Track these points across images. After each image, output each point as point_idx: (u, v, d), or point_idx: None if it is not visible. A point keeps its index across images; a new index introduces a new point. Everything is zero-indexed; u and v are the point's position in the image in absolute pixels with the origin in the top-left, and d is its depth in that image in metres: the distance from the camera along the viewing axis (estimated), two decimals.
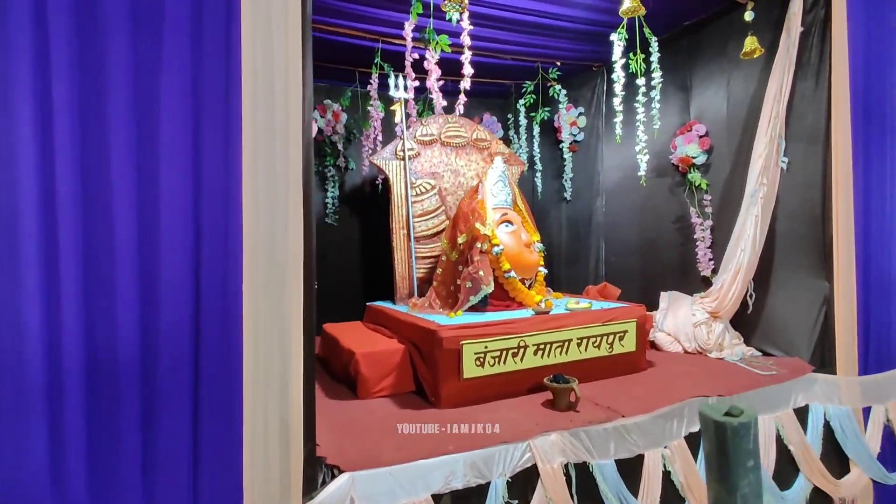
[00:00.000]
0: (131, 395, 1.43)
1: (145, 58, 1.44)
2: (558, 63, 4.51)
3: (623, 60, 3.22)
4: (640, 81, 3.28)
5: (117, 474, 1.41)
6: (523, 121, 4.99)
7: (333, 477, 1.86)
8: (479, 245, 3.17)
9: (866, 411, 2.94)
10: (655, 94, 3.32)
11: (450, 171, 3.99)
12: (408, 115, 3.68)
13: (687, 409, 2.56)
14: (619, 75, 3.27)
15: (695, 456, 2.48)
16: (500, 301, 3.23)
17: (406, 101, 3.58)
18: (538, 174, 5.06)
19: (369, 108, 4.22)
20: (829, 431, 2.86)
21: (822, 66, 3.06)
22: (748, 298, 3.40)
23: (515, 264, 3.22)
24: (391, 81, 3.67)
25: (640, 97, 3.31)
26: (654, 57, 3.31)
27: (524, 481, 2.12)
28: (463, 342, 2.58)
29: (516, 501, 2.07)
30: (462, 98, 2.94)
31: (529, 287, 3.36)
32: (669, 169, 4.01)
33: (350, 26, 3.66)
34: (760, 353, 3.35)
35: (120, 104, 1.41)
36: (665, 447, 2.42)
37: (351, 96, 4.56)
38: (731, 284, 3.36)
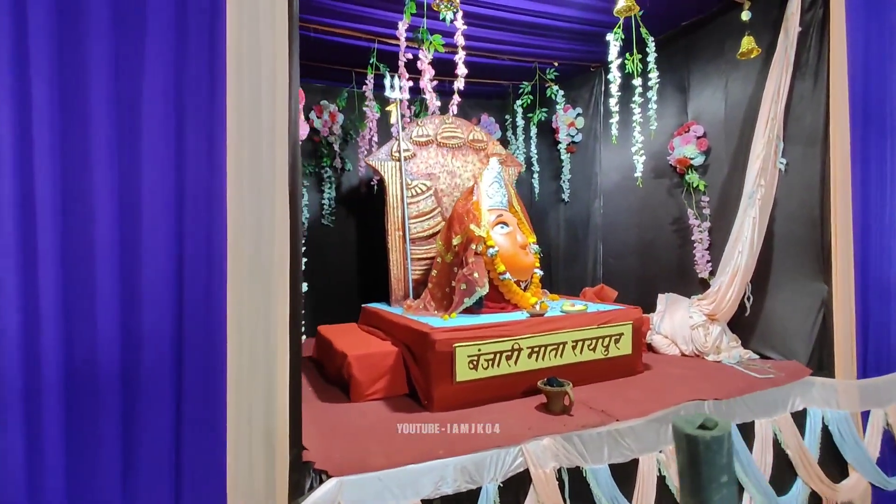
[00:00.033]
0: (111, 400, 1.40)
1: (127, 57, 1.42)
2: (555, 64, 4.48)
3: (619, 60, 3.20)
4: (637, 82, 3.25)
5: (96, 481, 1.39)
6: (521, 122, 4.96)
7: (321, 482, 1.83)
8: (473, 247, 3.14)
9: (865, 415, 2.91)
10: (652, 94, 3.29)
11: (446, 172, 3.97)
12: (401, 116, 3.65)
13: (682, 412, 2.53)
14: (615, 75, 3.24)
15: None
16: (495, 303, 3.20)
17: (401, 101, 3.55)
18: (535, 175, 5.03)
19: (365, 108, 4.19)
20: (827, 436, 2.83)
21: (820, 67, 3.03)
22: (746, 301, 3.36)
23: (510, 266, 3.19)
24: (387, 82, 3.64)
25: (636, 98, 3.28)
26: (651, 57, 3.29)
27: (516, 486, 2.09)
28: (456, 345, 2.56)
29: None
30: (456, 98, 2.92)
31: (525, 289, 3.33)
32: (667, 170, 3.98)
33: (346, 26, 3.64)
34: (758, 356, 3.31)
35: (101, 104, 1.39)
36: (660, 451, 2.39)
37: (347, 97, 4.54)
38: (728, 287, 3.33)
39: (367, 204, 4.67)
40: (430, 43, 2.81)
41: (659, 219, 4.09)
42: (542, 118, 4.88)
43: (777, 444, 2.69)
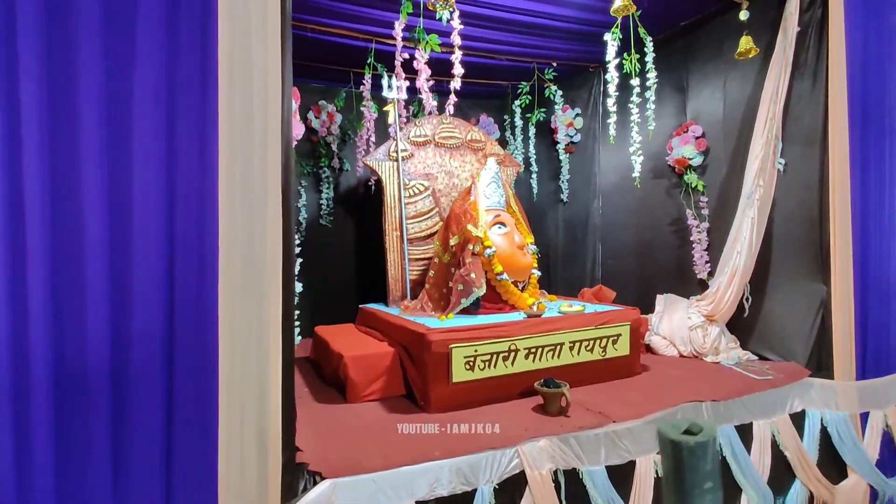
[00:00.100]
0: (101, 400, 1.39)
1: (118, 55, 1.41)
2: (554, 64, 4.47)
3: (617, 60, 3.19)
4: (635, 82, 3.24)
5: (86, 483, 1.38)
6: (519, 122, 4.95)
7: (315, 484, 1.82)
8: (471, 247, 3.13)
9: (864, 417, 2.89)
10: (650, 94, 3.28)
11: (444, 172, 3.96)
12: (399, 116, 3.65)
13: (680, 414, 2.51)
14: (612, 75, 3.23)
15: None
16: (492, 304, 3.19)
17: (398, 101, 3.54)
18: (534, 175, 5.02)
19: (362, 108, 4.19)
20: (825, 437, 2.81)
21: (819, 67, 3.02)
22: (744, 302, 3.35)
23: (508, 266, 3.18)
24: (385, 82, 3.64)
25: (634, 98, 3.27)
26: (650, 57, 3.27)
27: (512, 488, 2.08)
28: (452, 346, 2.54)
29: None
30: (452, 98, 2.91)
31: (523, 289, 3.32)
32: (666, 170, 3.97)
33: (343, 26, 3.63)
34: (757, 358, 3.30)
35: (92, 102, 1.38)
36: (657, 453, 2.37)
37: (345, 97, 4.54)
38: (727, 287, 3.31)
39: (365, 204, 4.66)
40: (427, 43, 2.80)
41: (657, 219, 4.08)
42: (541, 118, 4.87)
43: (775, 446, 2.68)
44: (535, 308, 3.06)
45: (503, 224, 3.30)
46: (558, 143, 4.83)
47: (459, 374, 2.56)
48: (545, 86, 4.67)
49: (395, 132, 3.74)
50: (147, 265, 1.45)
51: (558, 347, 2.81)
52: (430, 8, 2.41)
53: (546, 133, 4.96)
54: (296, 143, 2.43)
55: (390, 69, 3.73)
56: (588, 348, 2.90)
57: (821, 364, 3.00)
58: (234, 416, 1.55)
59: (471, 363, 2.59)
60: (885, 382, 2.96)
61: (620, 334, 2.99)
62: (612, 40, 3.10)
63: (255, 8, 1.57)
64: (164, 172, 1.47)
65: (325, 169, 4.63)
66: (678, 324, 3.50)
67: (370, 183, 4.54)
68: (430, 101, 2.86)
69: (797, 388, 2.84)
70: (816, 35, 3.02)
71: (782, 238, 3.23)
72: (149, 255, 1.46)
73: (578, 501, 2.17)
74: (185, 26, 1.49)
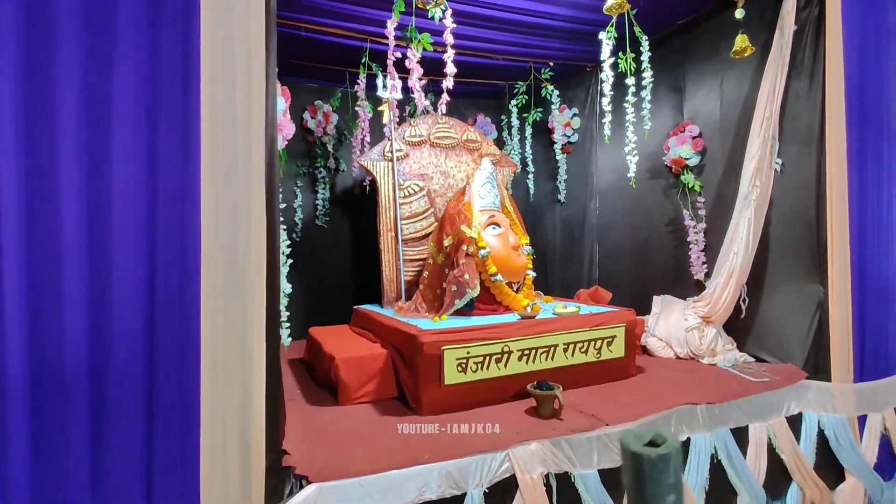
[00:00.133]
0: (80, 403, 1.37)
1: (98, 51, 1.39)
2: (551, 63, 4.44)
3: (612, 60, 3.16)
4: (630, 81, 3.21)
5: (64, 486, 1.35)
6: (516, 122, 4.93)
7: (301, 488, 1.80)
8: (464, 248, 3.11)
9: (862, 420, 2.86)
10: (646, 93, 3.25)
11: (439, 172, 3.93)
12: (394, 116, 3.62)
13: (675, 416, 2.49)
14: (607, 75, 3.20)
15: (682, 465, 2.40)
16: (486, 305, 3.16)
17: (393, 101, 3.51)
18: (531, 176, 5.00)
19: (357, 108, 4.17)
20: (822, 440, 2.78)
21: (816, 66, 2.99)
22: (741, 303, 3.32)
23: (502, 267, 3.15)
24: (379, 82, 3.61)
25: (629, 97, 3.24)
26: (645, 56, 3.24)
27: (502, 492, 2.05)
28: (444, 347, 2.52)
29: None
30: (445, 97, 2.88)
31: (517, 291, 3.29)
32: (663, 170, 3.94)
33: (338, 26, 3.61)
34: (753, 359, 3.27)
35: (70, 100, 1.36)
36: None
37: (341, 97, 4.52)
38: (723, 288, 3.28)
39: (361, 205, 4.64)
40: (419, 42, 2.77)
41: (654, 220, 4.05)
42: (538, 118, 4.84)
43: (772, 449, 2.65)
44: (529, 309, 3.03)
45: (498, 225, 3.27)
46: (555, 143, 4.80)
47: (451, 376, 2.54)
48: (542, 85, 4.64)
49: (390, 132, 3.72)
50: (127, 265, 1.43)
51: (552, 349, 2.78)
52: (420, 6, 2.39)
53: (543, 133, 4.93)
54: (286, 142, 2.40)
55: (385, 69, 3.71)
56: (582, 350, 2.87)
57: (818, 366, 2.97)
58: (217, 419, 1.53)
59: (463, 365, 2.56)
60: (884, 385, 2.93)
61: (615, 336, 2.96)
62: (606, 39, 3.07)
63: (239, 5, 1.55)
64: (146, 171, 1.45)
65: (321, 169, 4.61)
66: (675, 325, 3.47)
67: (365, 183, 4.51)
68: (422, 100, 2.84)
69: (794, 391, 2.81)
70: (813, 34, 2.99)
71: (779, 239, 3.20)
72: (129, 254, 1.43)
73: None
74: (166, 20, 1.47)
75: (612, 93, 3.26)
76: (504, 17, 3.50)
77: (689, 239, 3.72)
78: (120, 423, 1.42)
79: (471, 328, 2.67)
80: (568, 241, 4.96)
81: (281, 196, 4.25)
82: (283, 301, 2.43)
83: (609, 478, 2.22)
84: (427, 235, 3.75)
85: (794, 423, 2.76)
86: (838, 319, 2.89)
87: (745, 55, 3.06)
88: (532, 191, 5.04)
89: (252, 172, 1.57)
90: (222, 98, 1.52)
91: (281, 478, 1.78)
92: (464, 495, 1.98)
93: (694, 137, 3.67)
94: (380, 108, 3.55)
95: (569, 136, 4.78)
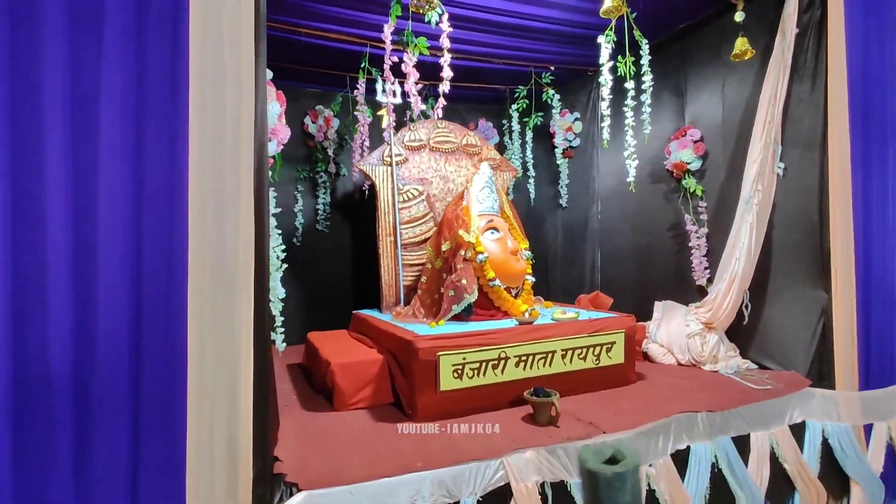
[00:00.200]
0: (64, 407, 1.36)
1: (84, 54, 1.38)
2: (552, 68, 4.43)
3: (611, 63, 3.13)
4: (630, 85, 3.18)
5: (47, 494, 1.34)
6: (517, 126, 4.91)
7: (291, 495, 1.77)
8: (462, 252, 3.09)
9: (868, 429, 2.80)
10: (646, 97, 3.23)
11: (438, 176, 3.92)
12: (392, 120, 3.62)
13: (674, 424, 2.44)
14: (606, 79, 3.18)
15: (682, 475, 2.36)
16: (484, 310, 3.14)
17: (392, 105, 3.51)
18: (531, 180, 4.97)
19: (356, 113, 4.17)
20: (827, 449, 2.72)
21: (818, 69, 2.95)
22: (744, 309, 3.27)
23: (501, 272, 3.13)
24: (379, 86, 3.61)
25: (628, 101, 3.21)
26: (645, 60, 3.22)
27: (496, 501, 2.02)
28: (440, 353, 2.49)
29: None
30: (441, 101, 2.88)
31: (516, 296, 3.26)
32: (664, 175, 3.91)
33: (338, 30, 3.61)
34: (756, 367, 3.21)
35: (56, 103, 1.35)
36: (650, 465, 2.30)
37: (342, 101, 4.53)
38: (725, 294, 3.24)
39: (361, 209, 4.63)
40: (415, 46, 2.77)
41: (656, 224, 4.01)
42: (538, 123, 4.82)
43: (774, 458, 2.59)
44: (527, 315, 3.00)
45: (496, 229, 3.25)
46: (556, 147, 4.77)
47: (447, 382, 2.51)
48: (543, 90, 4.63)
49: (390, 136, 3.71)
50: (113, 267, 1.42)
51: (550, 355, 2.75)
52: (413, 10, 2.38)
53: (545, 137, 4.91)
54: (282, 147, 2.39)
55: (384, 73, 3.71)
56: (581, 356, 2.83)
57: (822, 373, 2.91)
58: (204, 424, 1.51)
59: (459, 371, 2.53)
60: (890, 393, 2.87)
61: (614, 342, 2.92)
62: (605, 43, 3.05)
63: (228, 8, 1.54)
64: (132, 173, 1.44)
65: (322, 174, 4.62)
66: (676, 331, 3.42)
67: (364, 188, 4.51)
68: (418, 104, 2.83)
69: (797, 399, 2.76)
70: (816, 37, 2.96)
71: (782, 244, 3.15)
72: (115, 257, 1.42)
73: None
74: (154, 23, 1.46)
75: (611, 97, 3.24)
76: (503, 21, 3.49)
77: (690, 244, 3.68)
78: (105, 428, 1.41)
79: (467, 334, 2.65)
80: (569, 246, 4.92)
81: (280, 200, 4.29)
82: (278, 306, 2.42)
83: None
84: (426, 240, 3.73)
85: (798, 431, 2.71)
86: (843, 326, 2.84)
87: (746, 58, 3.03)
88: (533, 195, 5.01)
89: (240, 176, 1.56)
90: (211, 101, 1.52)
91: (270, 485, 1.76)
92: None
93: (695, 141, 3.64)
94: (379, 113, 3.55)
95: (570, 141, 4.75)
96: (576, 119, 4.71)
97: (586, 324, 2.93)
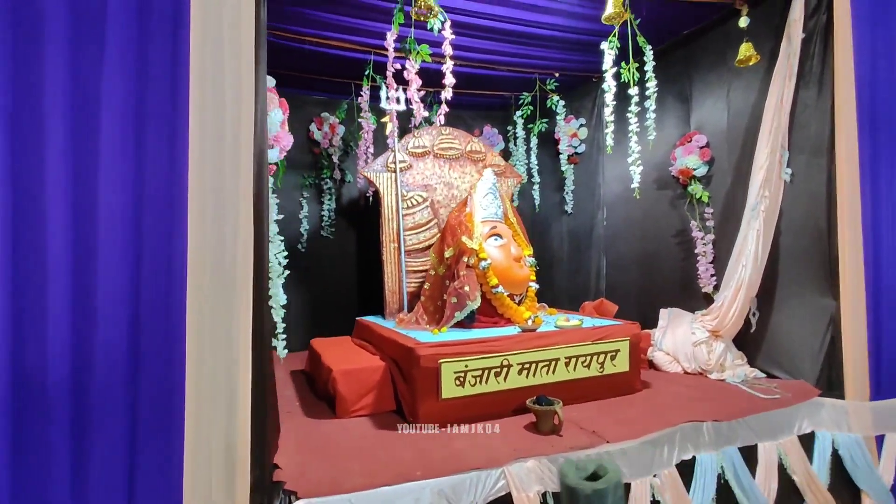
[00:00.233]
0: (61, 413, 1.36)
1: (86, 61, 1.40)
2: (556, 74, 4.42)
3: (614, 70, 3.12)
4: (634, 91, 3.17)
5: (44, 498, 1.34)
6: (521, 132, 4.91)
7: (290, 503, 1.76)
8: (465, 259, 3.08)
9: (879, 439, 2.74)
10: (650, 103, 3.21)
11: (442, 183, 3.92)
12: (396, 126, 3.62)
13: (680, 434, 2.40)
14: (609, 85, 3.17)
15: (687, 486, 2.32)
16: (487, 317, 3.12)
17: (396, 112, 3.51)
18: (536, 187, 4.96)
19: (360, 120, 4.19)
20: (837, 461, 2.66)
21: (825, 74, 2.92)
22: (751, 317, 3.23)
23: (504, 279, 3.11)
24: (383, 93, 3.62)
25: (632, 107, 3.20)
26: (649, 66, 3.21)
27: None
28: (441, 360, 2.48)
29: None
30: (444, 108, 2.88)
31: (519, 303, 3.24)
32: (670, 181, 3.88)
33: (343, 39, 3.64)
34: (764, 375, 3.16)
35: (57, 108, 1.36)
36: (654, 476, 2.26)
37: (347, 108, 4.55)
38: (732, 302, 3.20)
39: (366, 216, 4.64)
40: (417, 53, 2.78)
41: (662, 231, 3.98)
42: (543, 129, 4.82)
43: (782, 469, 2.54)
44: (531, 322, 2.98)
45: (499, 236, 3.24)
46: (561, 153, 4.76)
47: (449, 389, 2.49)
48: (547, 96, 4.62)
49: (394, 143, 3.72)
50: (112, 273, 1.43)
51: (553, 363, 2.72)
52: (414, 17, 2.39)
53: (550, 144, 4.90)
54: (284, 153, 2.40)
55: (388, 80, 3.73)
56: (585, 364, 2.80)
57: (832, 383, 2.86)
58: (201, 431, 1.51)
59: (461, 379, 2.52)
60: None
61: (619, 350, 2.89)
62: (609, 49, 3.04)
63: (228, 15, 1.56)
64: (132, 179, 1.45)
65: (328, 180, 4.63)
66: (682, 339, 3.38)
67: (368, 194, 4.52)
68: (420, 111, 2.83)
69: (806, 409, 2.71)
70: (822, 41, 2.93)
71: (789, 250, 3.11)
72: (114, 262, 1.43)
73: None
74: (155, 31, 1.48)
75: (614, 103, 3.23)
76: (507, 29, 3.50)
77: (696, 250, 3.64)
78: (102, 434, 1.41)
79: (470, 341, 2.63)
80: (574, 253, 4.90)
81: (285, 207, 4.30)
82: (280, 313, 2.42)
83: None
84: (430, 246, 3.73)
85: (807, 442, 2.66)
86: (852, 334, 2.79)
87: (750, 64, 3.01)
88: (538, 201, 4.99)
89: (240, 182, 1.57)
90: (211, 105, 1.52)
91: (269, 493, 1.75)
92: None
93: (701, 147, 3.61)
94: (382, 120, 3.56)
95: (575, 147, 4.74)
96: (581, 125, 4.70)
97: (590, 331, 2.90)
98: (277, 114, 2.32)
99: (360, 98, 4.06)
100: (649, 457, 2.28)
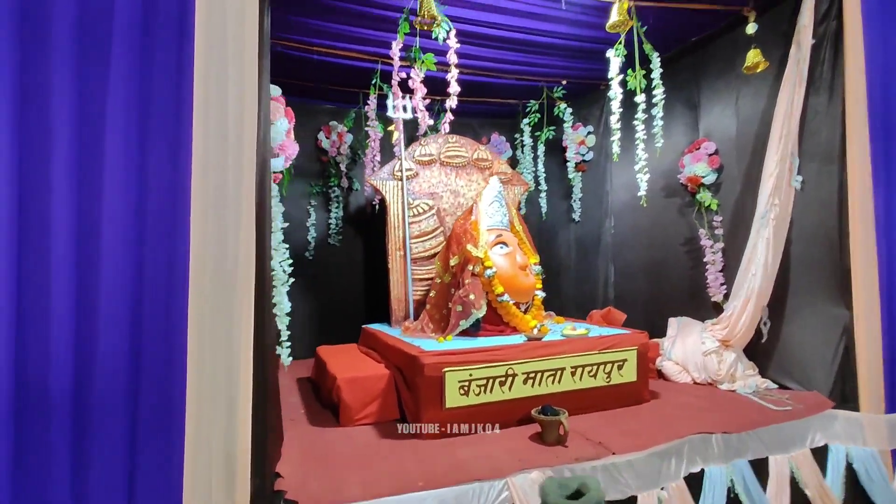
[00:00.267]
0: (62, 420, 1.36)
1: (92, 72, 1.42)
2: (563, 82, 4.42)
3: (620, 77, 3.11)
4: (640, 98, 3.15)
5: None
6: (528, 140, 4.90)
7: None
8: (470, 267, 3.07)
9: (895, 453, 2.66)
10: (657, 111, 3.19)
11: (449, 191, 3.92)
12: (402, 135, 3.64)
13: (688, 446, 2.36)
14: (615, 92, 3.16)
15: (696, 499, 2.27)
16: (493, 326, 3.10)
17: (402, 121, 3.53)
18: (543, 194, 4.94)
19: (367, 128, 4.21)
20: (852, 475, 2.59)
21: (835, 80, 2.88)
22: (762, 326, 3.17)
23: (509, 287, 3.09)
24: (389, 102, 3.65)
25: (639, 114, 3.18)
26: (656, 73, 3.19)
27: None
28: (445, 369, 2.46)
29: None
30: (448, 116, 2.88)
31: (525, 311, 3.22)
32: (678, 189, 3.84)
33: (350, 48, 3.67)
34: (776, 386, 3.10)
35: (63, 118, 1.39)
36: (662, 489, 2.22)
37: (355, 117, 4.58)
38: (742, 311, 3.14)
39: (373, 224, 4.66)
40: (422, 62, 2.79)
41: (670, 239, 3.94)
42: (550, 137, 4.81)
43: (794, 483, 2.48)
44: (537, 331, 2.96)
45: (505, 244, 3.22)
46: (569, 161, 4.74)
47: (453, 398, 2.47)
48: (555, 104, 4.62)
49: (400, 151, 3.73)
50: (115, 283, 1.44)
51: (559, 372, 2.69)
52: (418, 27, 2.40)
53: (558, 151, 4.89)
54: (290, 161, 2.42)
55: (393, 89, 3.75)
56: (591, 374, 2.77)
57: (846, 394, 2.79)
58: (201, 440, 1.51)
59: (465, 388, 2.50)
60: None
61: (626, 359, 2.85)
62: (614, 56, 3.03)
63: (232, 27, 1.57)
64: (135, 188, 1.47)
65: (335, 188, 4.66)
66: (692, 349, 3.33)
67: (374, 203, 4.54)
68: (425, 119, 2.84)
69: (819, 421, 2.65)
70: (832, 47, 2.90)
71: (801, 259, 3.06)
72: (117, 272, 1.44)
73: None
74: (160, 43, 1.50)
75: (620, 110, 3.21)
76: (514, 37, 3.51)
77: (706, 259, 3.59)
78: (102, 442, 1.41)
79: (474, 350, 2.61)
80: (582, 261, 4.86)
81: (293, 215, 4.33)
82: (285, 320, 2.42)
83: None
84: (436, 254, 3.72)
85: (820, 455, 2.59)
86: (867, 344, 2.72)
87: (759, 70, 2.98)
88: (545, 209, 4.97)
89: (242, 191, 1.58)
90: (214, 117, 1.54)
91: (270, 502, 1.74)
92: None
93: (710, 155, 3.57)
94: (389, 129, 3.58)
95: (583, 155, 4.72)
96: (588, 133, 4.68)
97: (597, 340, 2.87)
98: (283, 123, 2.34)
99: (367, 107, 4.09)
100: (656, 469, 2.24)
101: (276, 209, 2.41)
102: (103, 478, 1.41)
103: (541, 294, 3.38)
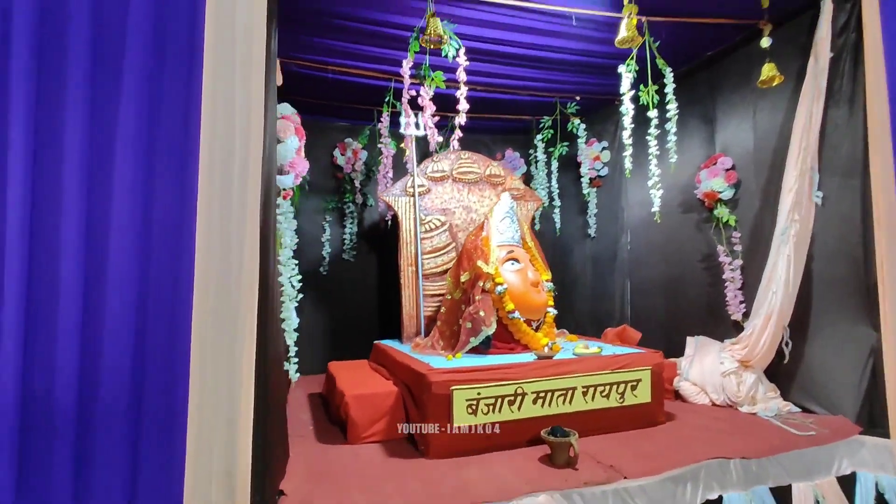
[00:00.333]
0: (65, 434, 1.38)
1: (103, 90, 1.46)
2: (577, 98, 4.41)
3: (633, 92, 3.09)
4: (653, 114, 3.12)
5: None
6: (542, 156, 4.89)
7: None
8: (481, 284, 3.04)
9: None
10: (671, 126, 3.15)
11: (461, 207, 3.92)
12: (414, 151, 3.66)
13: (704, 471, 2.27)
14: (627, 108, 3.13)
15: None
16: (504, 343, 3.06)
17: (413, 138, 3.56)
18: (556, 210, 4.90)
19: (380, 145, 4.26)
20: None
21: (856, 93, 2.82)
22: (784, 346, 3.05)
23: (521, 304, 3.05)
24: (402, 119, 3.68)
25: (652, 129, 3.14)
26: (669, 88, 3.16)
27: None
28: (453, 387, 2.43)
29: None
30: (457, 133, 2.90)
31: (537, 329, 3.17)
32: (695, 204, 3.77)
33: (364, 67, 3.73)
34: (799, 410, 2.97)
35: (75, 137, 1.43)
36: None
37: (369, 134, 4.64)
38: (762, 330, 3.04)
39: (386, 239, 4.68)
40: (432, 80, 2.82)
41: (687, 255, 3.85)
42: (564, 152, 4.78)
43: None
44: (548, 349, 2.90)
45: (516, 260, 3.19)
46: (583, 177, 4.71)
47: (461, 417, 2.43)
48: (568, 120, 4.61)
49: (413, 167, 3.75)
50: (120, 297, 1.47)
51: (570, 392, 2.63)
52: (424, 45, 2.43)
53: (572, 167, 4.86)
54: (300, 179, 2.45)
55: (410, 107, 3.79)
56: (604, 394, 2.70)
57: (874, 419, 2.67)
58: (202, 456, 1.51)
59: (473, 407, 2.46)
60: None
61: (640, 379, 2.77)
62: (626, 72, 3.01)
63: (241, 48, 1.61)
64: (141, 207, 1.50)
65: (350, 204, 4.71)
66: (710, 369, 3.22)
67: (387, 218, 4.56)
68: (435, 136, 2.86)
69: (845, 447, 2.53)
70: (851, 60, 2.84)
71: (823, 277, 2.95)
72: (122, 286, 1.47)
73: None
74: (170, 61, 1.54)
75: (632, 126, 3.18)
76: (525, 54, 3.52)
77: (724, 276, 3.50)
78: (104, 458, 1.42)
79: (483, 368, 2.58)
80: (598, 278, 4.79)
81: (308, 230, 4.38)
82: (293, 336, 2.43)
83: None
84: (449, 270, 3.71)
85: (847, 484, 2.47)
86: (895, 367, 2.60)
87: (773, 84, 2.93)
88: (559, 225, 4.93)
89: (247, 209, 1.59)
90: (221, 135, 1.57)
91: None
92: None
93: (727, 170, 3.50)
94: (401, 146, 3.61)
95: (598, 170, 4.68)
96: (603, 148, 4.65)
97: (610, 359, 2.80)
98: (293, 141, 2.37)
99: (380, 124, 4.14)
100: (670, 494, 2.16)
101: (289, 225, 2.44)
102: (105, 495, 1.41)
103: (553, 311, 3.32)
